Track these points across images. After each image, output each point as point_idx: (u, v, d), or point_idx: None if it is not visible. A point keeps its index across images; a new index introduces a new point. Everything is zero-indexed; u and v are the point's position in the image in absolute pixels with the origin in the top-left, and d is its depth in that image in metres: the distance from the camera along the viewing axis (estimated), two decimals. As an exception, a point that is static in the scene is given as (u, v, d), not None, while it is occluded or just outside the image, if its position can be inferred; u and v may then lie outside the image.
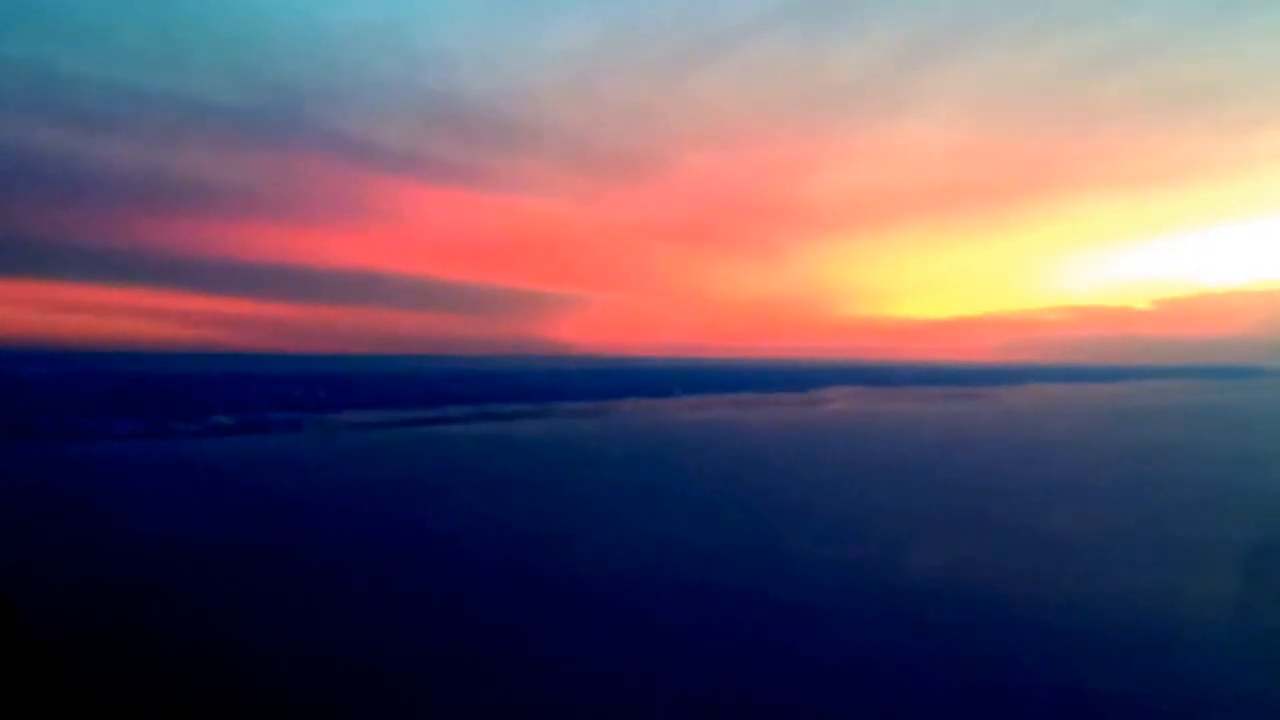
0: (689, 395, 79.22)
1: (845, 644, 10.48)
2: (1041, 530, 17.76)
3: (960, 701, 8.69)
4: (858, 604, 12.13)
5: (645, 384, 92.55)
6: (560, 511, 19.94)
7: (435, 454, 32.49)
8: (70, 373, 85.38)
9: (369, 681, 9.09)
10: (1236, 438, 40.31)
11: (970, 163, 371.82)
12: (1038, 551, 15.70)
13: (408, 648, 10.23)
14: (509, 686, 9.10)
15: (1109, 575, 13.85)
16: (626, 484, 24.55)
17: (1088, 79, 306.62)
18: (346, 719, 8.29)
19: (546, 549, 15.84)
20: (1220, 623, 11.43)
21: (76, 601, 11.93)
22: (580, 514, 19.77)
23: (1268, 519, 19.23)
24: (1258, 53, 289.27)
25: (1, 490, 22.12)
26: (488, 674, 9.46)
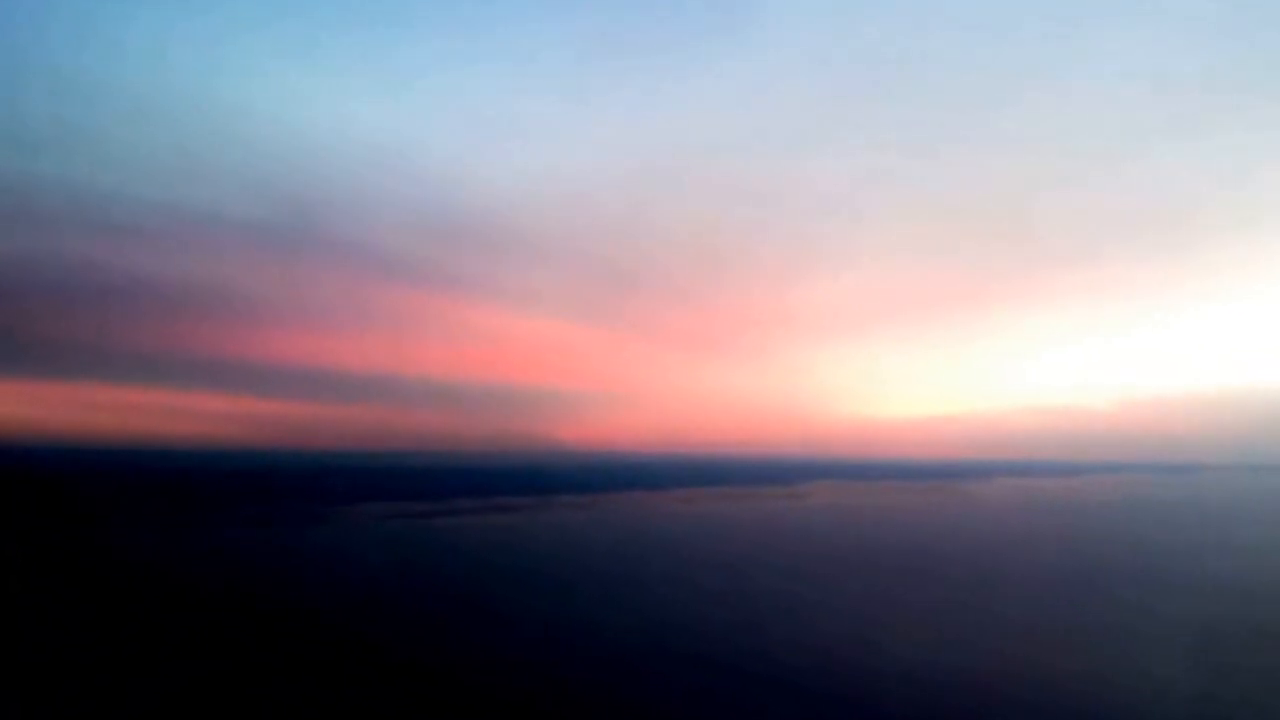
0: (682, 488, 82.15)
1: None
2: (1039, 619, 21.86)
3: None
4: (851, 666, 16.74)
5: (642, 479, 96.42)
6: (571, 599, 23.13)
7: (444, 546, 35.64)
8: (105, 468, 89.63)
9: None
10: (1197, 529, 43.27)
11: (935, 274, 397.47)
12: (1018, 636, 19.88)
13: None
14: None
15: (1082, 655, 18.01)
16: (640, 573, 28.05)
17: (1033, 196, 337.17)
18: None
19: (556, 629, 19.37)
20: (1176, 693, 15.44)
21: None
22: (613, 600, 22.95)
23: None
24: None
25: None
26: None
